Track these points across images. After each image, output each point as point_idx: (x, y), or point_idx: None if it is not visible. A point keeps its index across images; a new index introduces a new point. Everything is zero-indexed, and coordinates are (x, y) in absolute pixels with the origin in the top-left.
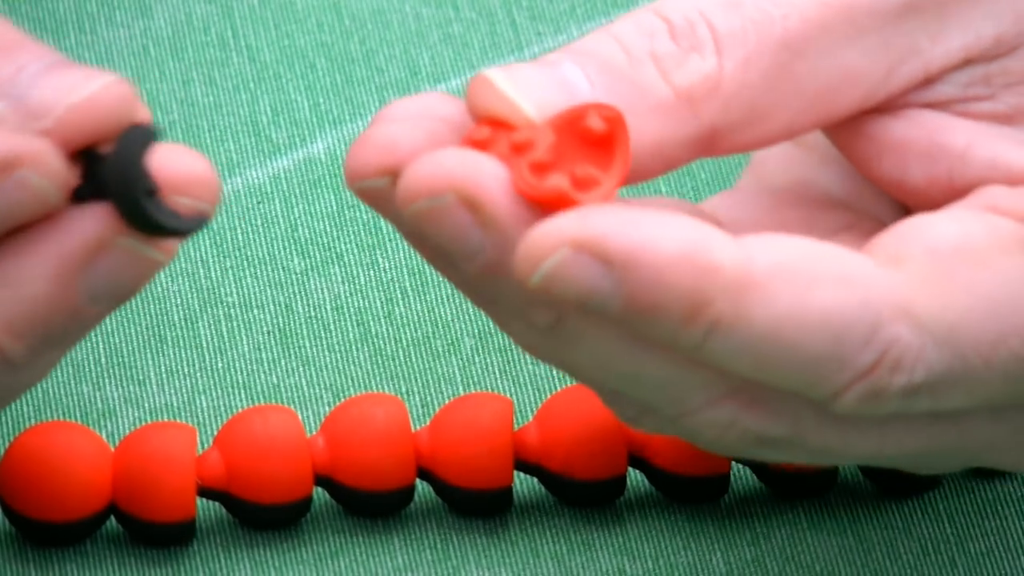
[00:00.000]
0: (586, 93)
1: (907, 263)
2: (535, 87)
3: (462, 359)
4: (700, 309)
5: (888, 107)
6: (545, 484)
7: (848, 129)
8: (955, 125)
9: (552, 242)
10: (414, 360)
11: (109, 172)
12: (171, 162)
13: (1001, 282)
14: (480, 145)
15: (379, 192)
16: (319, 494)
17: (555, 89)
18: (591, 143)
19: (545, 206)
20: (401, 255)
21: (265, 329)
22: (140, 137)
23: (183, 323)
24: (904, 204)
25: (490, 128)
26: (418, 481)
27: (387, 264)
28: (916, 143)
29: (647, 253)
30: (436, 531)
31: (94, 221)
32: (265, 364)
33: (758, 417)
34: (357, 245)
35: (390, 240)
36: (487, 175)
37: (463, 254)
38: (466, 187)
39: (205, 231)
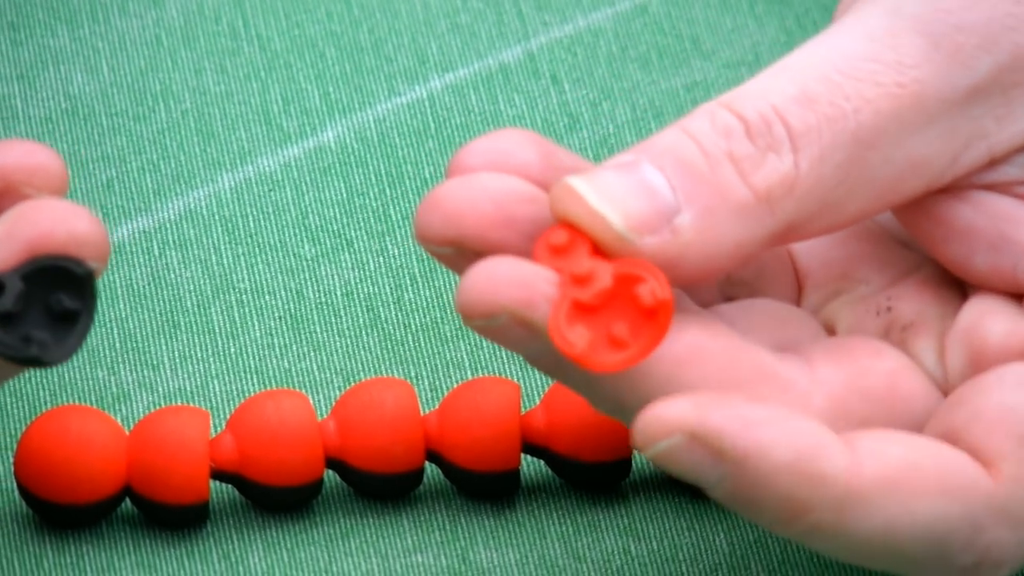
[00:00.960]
0: (669, 199)
1: (1001, 462)
2: (620, 196)
3: (470, 344)
4: (802, 514)
5: (953, 188)
6: (552, 466)
7: (914, 209)
8: (1022, 215)
9: (668, 427)
10: (423, 345)
11: None
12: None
13: None
14: (557, 251)
15: (445, 256)
16: (330, 476)
17: (639, 197)
18: (638, 305)
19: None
20: (410, 242)
21: (276, 315)
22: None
23: (196, 309)
24: (966, 281)
25: (567, 233)
26: (427, 464)
27: (396, 251)
28: (983, 232)
29: (760, 459)
30: (444, 513)
31: None
32: (277, 349)
33: None
34: (367, 232)
35: (399, 227)
36: (540, 298)
37: (529, 357)
38: (518, 311)
39: (217, 218)
